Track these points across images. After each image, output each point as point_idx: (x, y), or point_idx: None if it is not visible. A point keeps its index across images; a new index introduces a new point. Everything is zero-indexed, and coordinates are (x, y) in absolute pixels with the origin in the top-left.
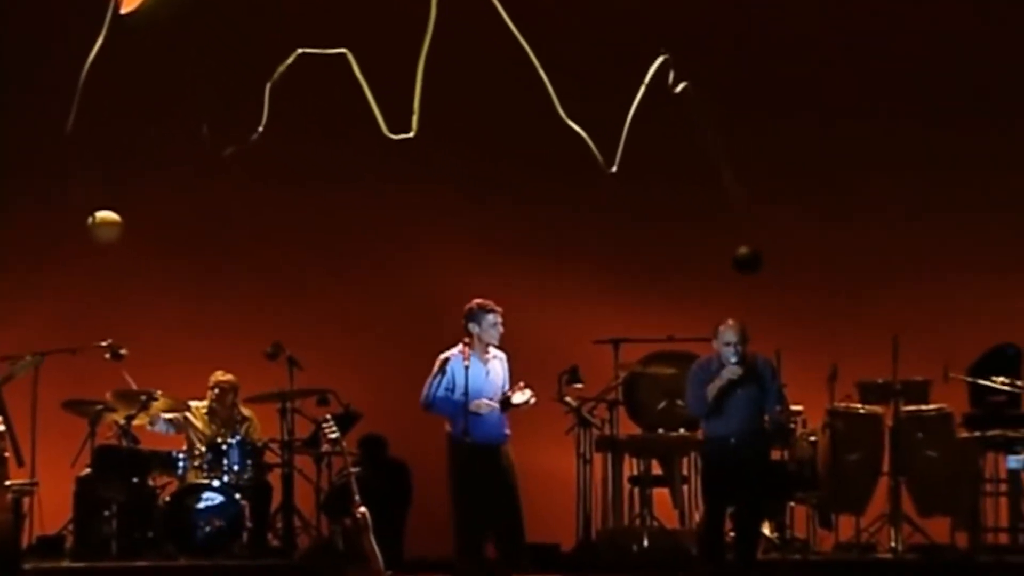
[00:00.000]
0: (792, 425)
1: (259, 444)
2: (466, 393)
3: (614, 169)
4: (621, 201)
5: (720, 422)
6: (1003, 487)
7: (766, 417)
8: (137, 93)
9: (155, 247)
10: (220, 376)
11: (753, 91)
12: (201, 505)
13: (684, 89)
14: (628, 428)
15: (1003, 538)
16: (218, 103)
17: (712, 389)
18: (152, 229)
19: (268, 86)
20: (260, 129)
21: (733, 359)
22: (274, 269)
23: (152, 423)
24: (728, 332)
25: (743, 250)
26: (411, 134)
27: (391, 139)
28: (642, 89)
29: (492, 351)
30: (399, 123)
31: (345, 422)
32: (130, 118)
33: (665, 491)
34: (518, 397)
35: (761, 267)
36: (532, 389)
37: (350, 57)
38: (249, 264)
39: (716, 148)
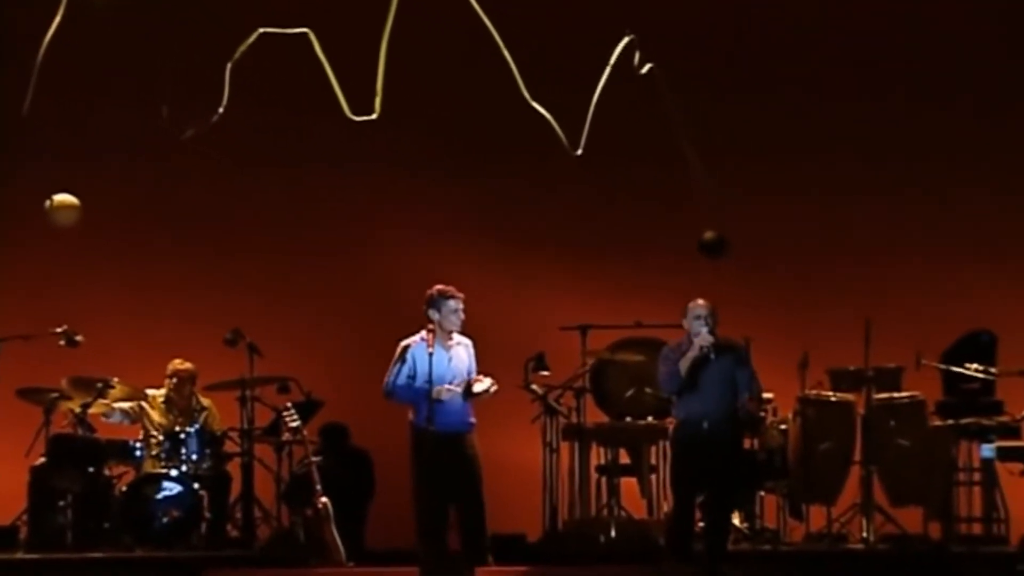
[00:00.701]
0: (762, 414)
1: (218, 433)
2: (429, 381)
3: (579, 152)
4: (587, 184)
5: (694, 401)
6: (977, 476)
7: (740, 402)
8: (96, 73)
9: (113, 231)
10: (178, 364)
11: (720, 72)
12: (159, 495)
13: (649, 70)
14: (595, 416)
15: (977, 528)
16: (178, 84)
17: (684, 362)
18: (110, 213)
19: (229, 66)
20: (220, 110)
21: (705, 330)
22: (234, 254)
23: (107, 415)
24: (698, 307)
25: (708, 234)
26: (374, 116)
27: (354, 121)
28: (607, 70)
29: (456, 337)
30: (362, 105)
31: (306, 410)
32: (88, 99)
33: (633, 480)
34: (478, 386)
35: (727, 251)
36: (495, 377)
37: (312, 37)
38: (209, 249)
39: (681, 130)
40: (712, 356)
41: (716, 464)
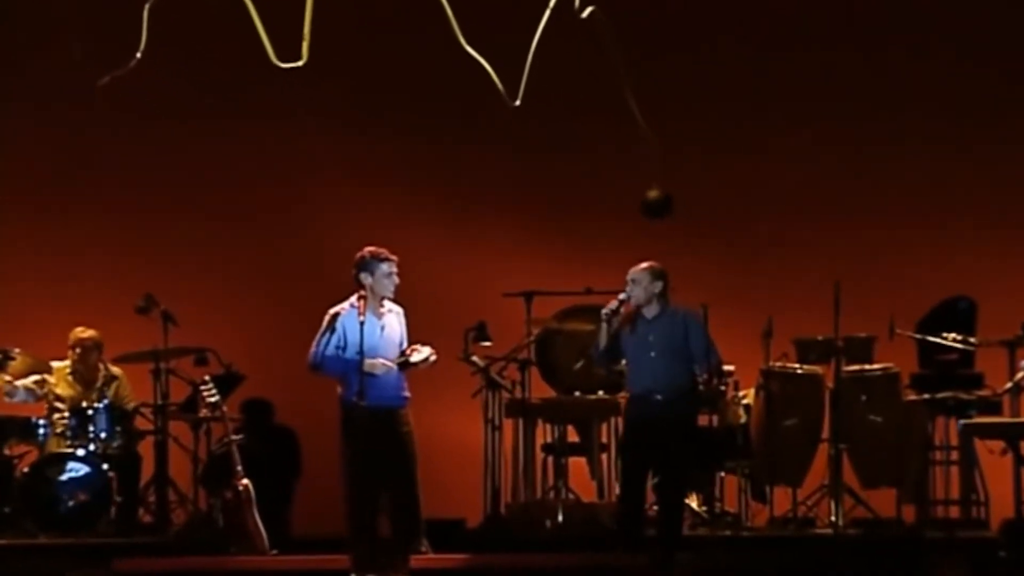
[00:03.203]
0: (723, 388)
1: (129, 408)
2: (361, 351)
3: (518, 102)
4: (531, 139)
5: (641, 373)
6: (954, 455)
7: (698, 376)
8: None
9: (13, 189)
10: (81, 333)
11: (669, 15)
12: (64, 477)
13: (591, 14)
14: (541, 391)
15: (954, 512)
16: (92, 26)
17: (601, 332)
18: (11, 169)
19: (147, 8)
20: (138, 55)
21: (621, 297)
22: (147, 213)
23: (11, 394)
24: (631, 271)
25: (652, 193)
26: (301, 62)
27: (279, 70)
28: (547, 14)
29: (387, 304)
30: (289, 51)
31: (226, 384)
32: None
33: (582, 460)
34: (416, 356)
35: (671, 211)
36: (432, 347)
37: None
38: (118, 208)
39: (626, 80)
40: (605, 324)
41: (666, 442)
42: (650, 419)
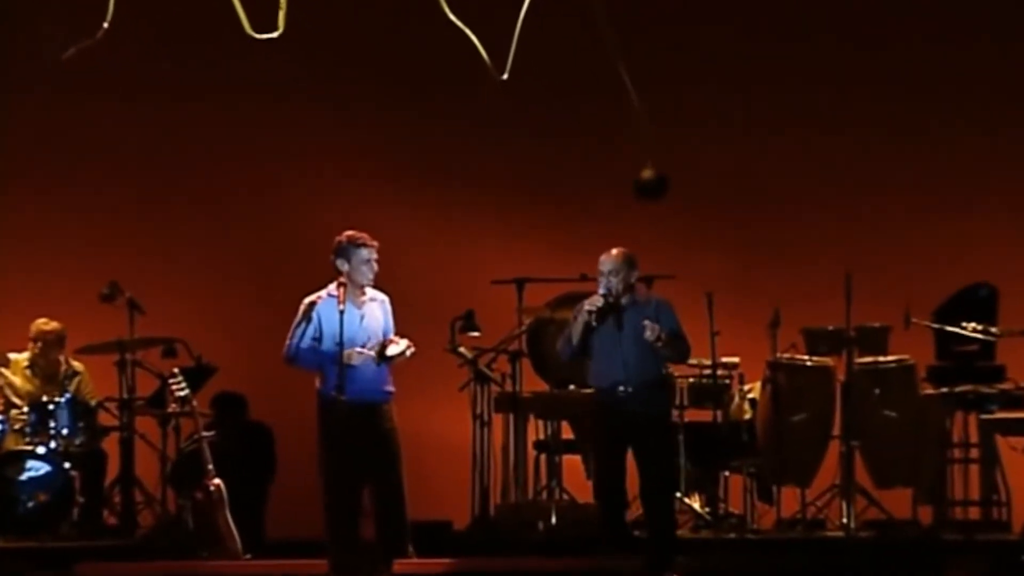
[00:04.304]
0: (727, 381)
1: (93, 403)
2: (340, 342)
3: (505, 75)
4: (520, 116)
5: (598, 369)
6: (974, 453)
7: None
8: None
9: None
10: (42, 324)
11: None
12: (23, 476)
13: None
14: (533, 384)
15: (973, 513)
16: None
17: (576, 326)
18: None
19: None
20: (105, 25)
21: (601, 291)
22: (112, 195)
23: None
24: (604, 262)
25: (646, 173)
26: (276, 33)
27: (252, 42)
28: None
29: (369, 292)
30: (264, 22)
31: (196, 377)
32: None
33: (577, 458)
34: (392, 349)
35: (666, 192)
36: (415, 340)
37: None
38: (82, 190)
39: (619, 52)
40: (594, 323)
41: (642, 438)
42: (623, 414)
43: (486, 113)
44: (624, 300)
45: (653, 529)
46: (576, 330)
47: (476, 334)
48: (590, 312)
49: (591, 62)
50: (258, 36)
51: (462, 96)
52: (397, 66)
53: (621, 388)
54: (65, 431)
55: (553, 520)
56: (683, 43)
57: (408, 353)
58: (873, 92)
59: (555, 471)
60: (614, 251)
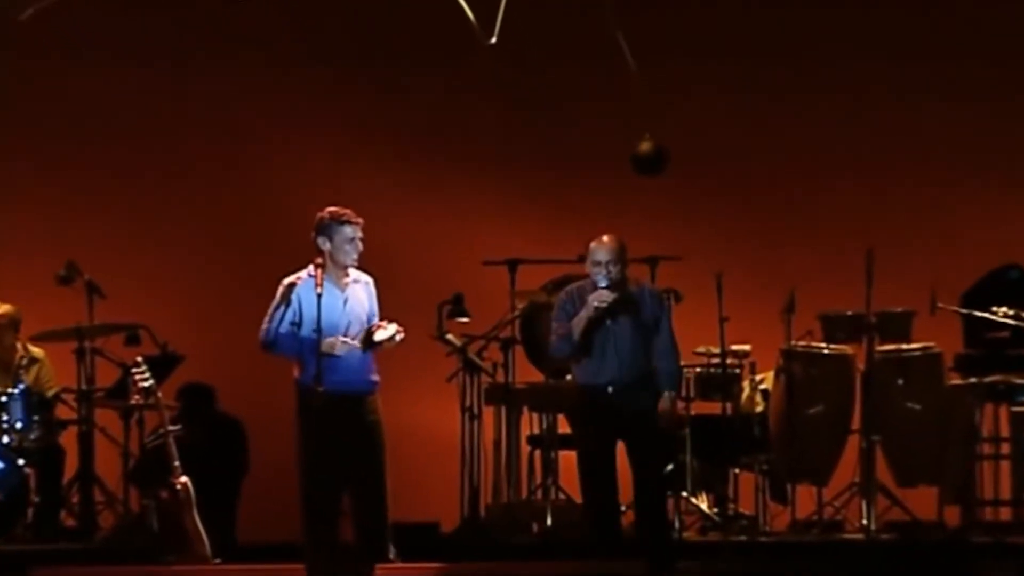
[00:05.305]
0: (737, 370)
1: (49, 395)
2: (318, 328)
3: (494, 39)
4: (512, 85)
5: (592, 366)
6: (1005, 448)
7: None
8: None
9: None
10: None
11: None
12: None
13: None
14: (528, 374)
15: (1004, 514)
16: None
17: (578, 323)
18: None
19: None
20: None
21: (603, 283)
22: (69, 168)
23: None
24: (599, 250)
25: (644, 145)
26: None
27: (222, 6)
28: None
29: (353, 274)
30: None
31: (161, 366)
32: None
33: (574, 454)
34: (380, 334)
35: (665, 166)
36: (401, 324)
37: None
38: (37, 163)
39: (615, 16)
40: (608, 322)
41: (630, 433)
42: (613, 410)
43: (476, 82)
44: (626, 291)
45: (649, 531)
46: (578, 328)
47: (465, 320)
48: (598, 308)
49: (586, 25)
50: None
51: (450, 62)
52: (378, 27)
53: (615, 384)
54: (19, 425)
55: (548, 521)
56: (687, 4)
57: (397, 339)
58: (897, 57)
59: (551, 468)
60: (606, 238)
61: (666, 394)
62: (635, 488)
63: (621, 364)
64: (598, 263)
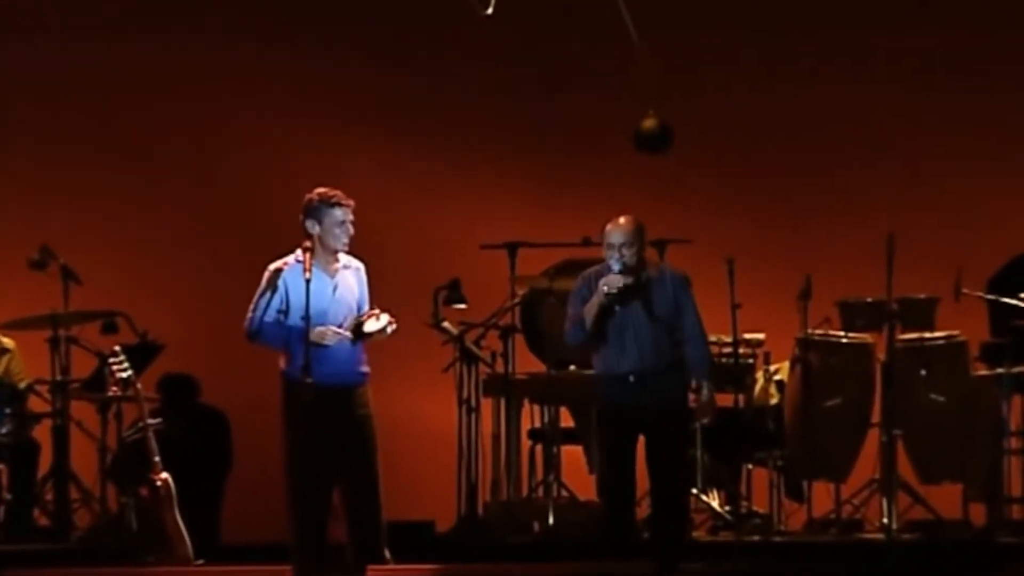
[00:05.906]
0: (750, 360)
1: (21, 387)
2: (307, 317)
3: (490, 11)
4: (510, 59)
5: (611, 354)
6: None
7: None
8: None
9: None
10: None
11: None
12: None
13: None
14: (528, 364)
15: None
16: None
17: (589, 309)
18: None
19: None
20: None
21: (616, 268)
22: (42, 148)
23: None
24: (613, 232)
25: (647, 123)
26: None
27: None
28: None
29: (342, 259)
30: None
31: (140, 356)
32: None
33: (577, 449)
34: (371, 324)
35: (670, 144)
36: (393, 312)
37: None
38: (9, 142)
39: None
40: (617, 308)
41: (652, 429)
42: (635, 403)
43: (473, 56)
44: (642, 276)
45: (665, 527)
46: (590, 314)
47: (462, 306)
48: (608, 294)
49: None
50: None
51: (446, 35)
52: (371, 5)
53: (636, 374)
54: None
55: (550, 520)
56: None
57: (389, 330)
58: (917, 30)
59: (553, 464)
60: (622, 219)
61: (704, 386)
62: (653, 482)
63: (642, 352)
64: (612, 246)
